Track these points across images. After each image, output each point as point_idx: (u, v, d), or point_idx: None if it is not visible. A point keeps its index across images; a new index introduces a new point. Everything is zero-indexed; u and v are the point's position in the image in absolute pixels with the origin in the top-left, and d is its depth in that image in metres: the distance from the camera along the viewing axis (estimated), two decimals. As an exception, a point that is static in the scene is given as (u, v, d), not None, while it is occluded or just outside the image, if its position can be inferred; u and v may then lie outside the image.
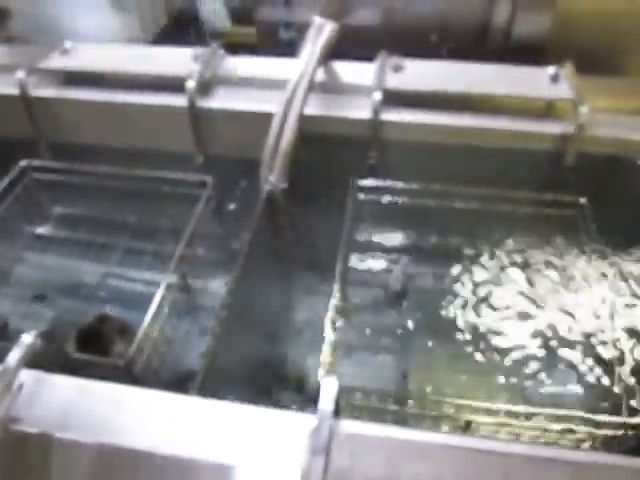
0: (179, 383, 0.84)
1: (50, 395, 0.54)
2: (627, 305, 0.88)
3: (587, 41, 1.15)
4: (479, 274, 0.95)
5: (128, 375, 0.72)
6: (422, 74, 0.95)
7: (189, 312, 0.93)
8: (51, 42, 1.06)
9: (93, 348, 0.77)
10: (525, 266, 0.96)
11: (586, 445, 0.69)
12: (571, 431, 0.69)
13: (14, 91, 0.99)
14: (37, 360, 0.56)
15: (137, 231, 1.06)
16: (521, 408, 0.70)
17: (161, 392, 0.56)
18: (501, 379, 0.83)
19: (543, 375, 0.83)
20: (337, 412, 0.50)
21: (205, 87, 0.99)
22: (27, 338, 0.55)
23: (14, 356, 0.53)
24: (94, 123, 1.03)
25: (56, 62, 1.03)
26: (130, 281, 1.00)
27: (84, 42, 1.07)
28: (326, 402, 0.50)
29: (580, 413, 0.68)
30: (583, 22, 1.18)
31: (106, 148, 1.04)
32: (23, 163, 1.00)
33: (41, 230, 1.09)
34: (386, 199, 0.95)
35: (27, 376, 0.54)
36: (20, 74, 0.98)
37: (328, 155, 0.96)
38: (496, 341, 0.87)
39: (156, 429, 0.52)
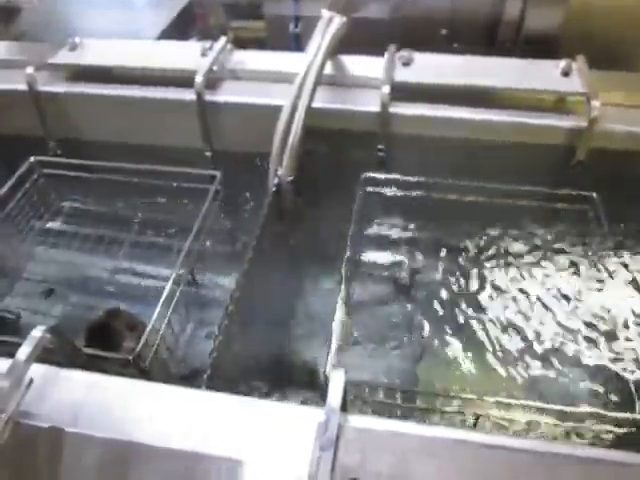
0: (188, 377, 0.84)
1: (60, 390, 0.55)
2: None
3: (600, 35, 1.14)
4: (488, 268, 0.95)
5: (137, 369, 0.73)
6: (431, 68, 0.95)
7: (197, 306, 0.93)
8: (60, 38, 1.06)
9: (102, 343, 0.78)
10: (536, 261, 0.95)
11: (598, 442, 0.69)
12: (583, 427, 0.68)
13: (23, 87, 1.00)
14: (47, 355, 0.56)
15: (146, 226, 1.06)
16: (532, 403, 0.70)
17: (170, 386, 0.56)
18: (511, 373, 0.82)
19: (554, 370, 0.82)
20: (345, 406, 0.50)
21: (213, 81, 0.98)
22: (37, 333, 0.55)
23: (24, 351, 0.53)
24: (103, 118, 1.03)
25: (65, 58, 1.03)
26: (139, 275, 1.00)
27: (92, 38, 1.07)
28: (334, 396, 0.49)
29: (592, 409, 0.68)
30: (597, 16, 1.17)
31: (115, 143, 1.05)
32: (32, 159, 1.01)
33: (50, 225, 1.09)
34: (394, 192, 0.95)
35: (37, 371, 0.55)
36: (29, 70, 0.99)
37: (336, 148, 0.96)
38: (506, 335, 0.86)
39: (165, 423, 0.52)
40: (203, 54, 0.99)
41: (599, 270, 0.90)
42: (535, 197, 0.92)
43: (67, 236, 1.07)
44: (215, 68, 0.98)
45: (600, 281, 0.89)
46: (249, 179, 1.02)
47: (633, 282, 0.89)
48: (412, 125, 0.93)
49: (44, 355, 0.55)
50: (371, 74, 0.96)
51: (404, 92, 0.92)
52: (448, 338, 0.87)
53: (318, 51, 0.87)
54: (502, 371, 0.83)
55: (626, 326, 0.81)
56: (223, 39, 1.03)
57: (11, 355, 0.53)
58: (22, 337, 0.55)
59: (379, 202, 0.96)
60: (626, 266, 0.90)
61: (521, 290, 0.92)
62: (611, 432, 0.68)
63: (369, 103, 0.92)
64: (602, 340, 0.83)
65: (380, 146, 0.95)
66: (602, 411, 0.67)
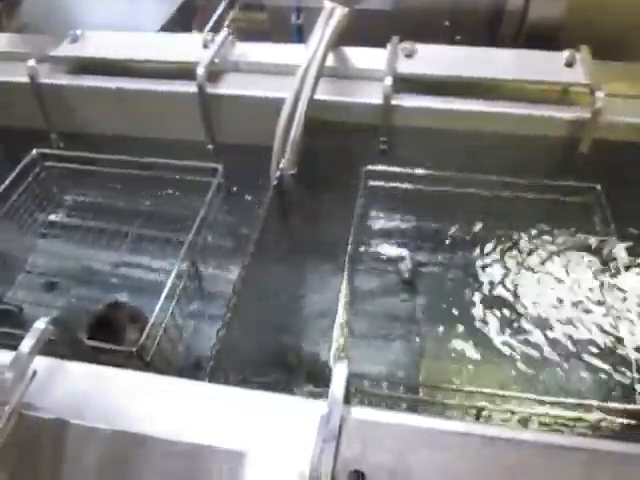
0: (191, 370, 0.85)
1: (63, 382, 0.55)
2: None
3: (604, 25, 1.13)
4: (490, 261, 0.95)
5: (140, 362, 0.73)
6: (434, 59, 0.94)
7: (200, 299, 0.93)
8: (61, 30, 1.06)
9: (105, 335, 0.78)
10: (538, 253, 0.95)
11: (599, 433, 0.69)
12: (583, 419, 0.68)
13: (25, 80, 0.99)
14: (50, 347, 0.56)
15: (148, 218, 1.06)
16: (533, 396, 0.70)
17: (173, 379, 0.56)
18: (513, 366, 0.82)
19: (555, 363, 0.82)
20: (347, 399, 0.50)
21: (215, 74, 0.98)
22: (40, 325, 0.55)
23: (27, 343, 0.53)
24: (104, 111, 1.03)
25: (66, 50, 1.02)
26: (141, 268, 1.01)
27: (94, 30, 1.07)
28: (337, 389, 0.49)
29: (593, 401, 0.68)
30: (600, 6, 1.16)
31: (117, 136, 1.05)
32: (35, 152, 1.01)
33: (53, 218, 1.09)
34: (397, 185, 0.95)
35: (40, 363, 0.55)
36: (30, 62, 0.98)
37: (339, 141, 0.96)
38: (509, 327, 0.86)
39: (168, 416, 0.52)
40: (205, 46, 0.99)
41: (603, 261, 0.90)
42: (539, 189, 0.91)
43: (70, 229, 1.07)
44: (217, 60, 0.97)
45: (604, 272, 0.89)
46: (251, 172, 1.02)
47: (637, 272, 0.89)
48: (414, 117, 0.92)
49: (47, 347, 0.55)
50: (373, 66, 0.95)
51: (406, 84, 0.91)
52: (451, 331, 0.87)
53: (320, 43, 0.86)
54: (505, 364, 0.83)
55: (630, 317, 0.81)
56: (224, 31, 1.02)
57: (14, 347, 0.54)
58: (25, 329, 0.55)
59: (381, 195, 0.96)
60: (630, 257, 0.90)
61: (524, 282, 0.92)
62: (614, 423, 0.68)
63: (371, 95, 0.92)
64: (605, 331, 0.83)
65: (382, 138, 0.94)
66: (605, 403, 0.67)
